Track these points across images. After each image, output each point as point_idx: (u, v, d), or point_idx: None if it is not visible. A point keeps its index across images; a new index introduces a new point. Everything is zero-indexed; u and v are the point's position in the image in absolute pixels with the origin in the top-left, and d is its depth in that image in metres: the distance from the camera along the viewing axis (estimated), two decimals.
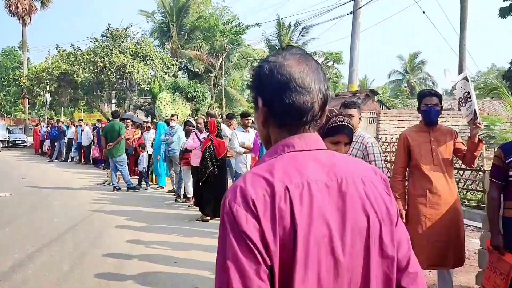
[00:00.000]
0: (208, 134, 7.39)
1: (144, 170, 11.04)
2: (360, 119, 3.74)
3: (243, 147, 7.06)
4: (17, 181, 12.07)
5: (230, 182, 8.20)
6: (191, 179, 8.28)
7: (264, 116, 1.09)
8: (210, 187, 7.08)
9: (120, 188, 10.45)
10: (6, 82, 33.76)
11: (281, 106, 1.05)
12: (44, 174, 14.20)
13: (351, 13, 16.53)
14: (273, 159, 1.05)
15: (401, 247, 1.09)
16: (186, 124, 9.22)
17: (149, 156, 11.60)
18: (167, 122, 11.78)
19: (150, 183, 11.23)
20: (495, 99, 25.87)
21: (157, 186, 11.22)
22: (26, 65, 35.94)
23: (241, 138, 7.16)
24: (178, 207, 8.64)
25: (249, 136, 7.16)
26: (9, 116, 47.51)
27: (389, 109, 19.80)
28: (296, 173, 1.00)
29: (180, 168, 8.97)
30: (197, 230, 6.56)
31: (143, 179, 10.99)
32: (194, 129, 8.23)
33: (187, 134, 8.63)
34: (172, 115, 10.28)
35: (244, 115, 7.40)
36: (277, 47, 34.60)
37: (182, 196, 9.10)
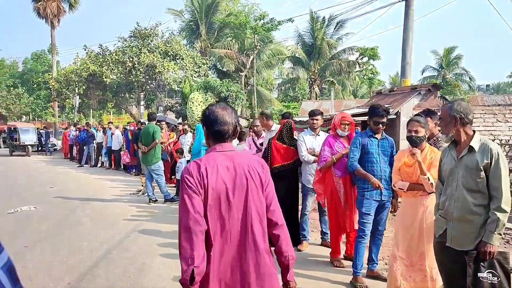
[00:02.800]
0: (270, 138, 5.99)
1: None
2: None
3: (313, 155, 5.63)
4: (44, 190, 11.04)
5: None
6: None
7: (207, 135, 2.29)
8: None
9: (156, 200, 9.22)
10: (36, 86, 33.53)
11: (213, 130, 2.23)
12: (73, 181, 13.15)
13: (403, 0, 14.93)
14: (206, 155, 2.21)
15: (268, 196, 2.23)
16: None
17: (188, 162, 10.34)
18: None
19: None
20: None
21: None
22: (55, 68, 35.53)
23: (309, 143, 5.72)
24: None
25: (320, 141, 5.68)
26: (39, 119, 47.65)
27: None
28: (212, 161, 2.15)
29: None
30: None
31: None
32: (251, 133, 6.85)
33: (239, 139, 7.26)
34: None
35: (313, 113, 5.79)
36: (310, 43, 33.02)
37: None
